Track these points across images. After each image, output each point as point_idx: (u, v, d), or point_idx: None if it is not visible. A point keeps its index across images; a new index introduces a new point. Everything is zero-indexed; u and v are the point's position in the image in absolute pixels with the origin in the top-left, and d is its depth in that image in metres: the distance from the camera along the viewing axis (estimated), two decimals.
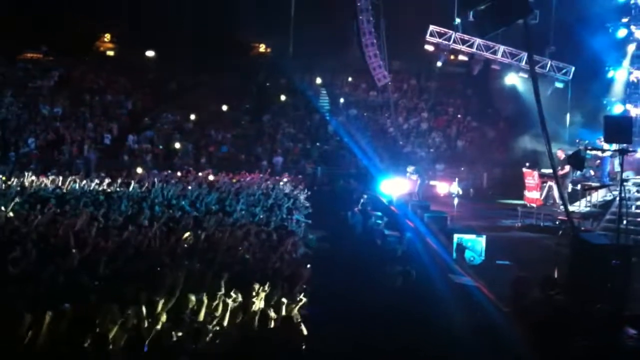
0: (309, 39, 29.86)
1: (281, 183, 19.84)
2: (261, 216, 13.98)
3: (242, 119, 30.11)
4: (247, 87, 32.23)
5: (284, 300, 7.81)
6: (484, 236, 13.26)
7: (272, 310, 7.57)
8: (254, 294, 7.73)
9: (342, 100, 31.95)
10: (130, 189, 16.71)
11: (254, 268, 9.29)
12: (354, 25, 28.79)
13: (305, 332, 7.52)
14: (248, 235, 11.05)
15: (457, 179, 20.81)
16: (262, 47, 36.29)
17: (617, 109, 20.35)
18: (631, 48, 20.55)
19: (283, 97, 31.50)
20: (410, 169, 20.84)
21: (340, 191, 21.04)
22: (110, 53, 34.71)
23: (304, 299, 8.04)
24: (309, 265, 10.30)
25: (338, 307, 9.73)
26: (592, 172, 18.71)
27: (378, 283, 10.66)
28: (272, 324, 7.32)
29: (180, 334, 6.65)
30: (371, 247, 13.50)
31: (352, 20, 28.93)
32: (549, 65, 23.98)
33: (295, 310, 7.94)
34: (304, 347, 7.46)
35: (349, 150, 26.02)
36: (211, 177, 20.79)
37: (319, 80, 32.69)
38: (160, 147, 27.18)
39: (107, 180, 18.16)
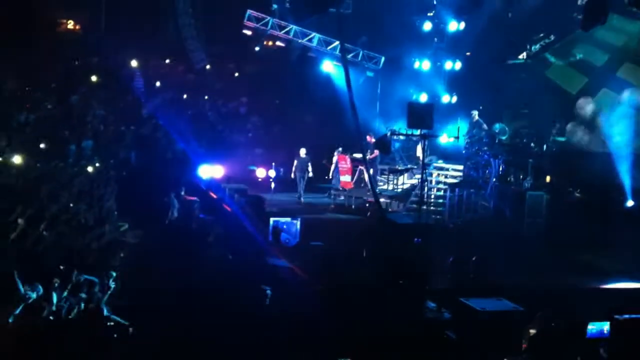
0: (123, 16, 28.45)
1: (90, 169, 18.78)
2: (71, 204, 13.27)
3: (47, 99, 27.90)
4: (53, 65, 29.92)
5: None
6: (299, 218, 13.63)
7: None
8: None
9: (158, 82, 30.88)
10: None
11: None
12: (169, 5, 27.93)
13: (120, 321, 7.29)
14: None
15: (274, 163, 21.08)
16: (70, 24, 33.87)
17: (422, 98, 21.71)
18: (435, 41, 22.00)
19: (94, 78, 29.71)
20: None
21: (155, 176, 20.37)
22: None
23: (112, 286, 7.70)
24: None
25: (155, 296, 9.49)
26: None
27: (195, 269, 10.53)
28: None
29: None
30: (187, 232, 13.32)
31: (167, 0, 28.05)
32: (360, 54, 24.91)
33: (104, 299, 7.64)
34: (115, 335, 7.22)
35: (165, 134, 25.22)
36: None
37: (133, 61, 31.28)
38: None
39: None
